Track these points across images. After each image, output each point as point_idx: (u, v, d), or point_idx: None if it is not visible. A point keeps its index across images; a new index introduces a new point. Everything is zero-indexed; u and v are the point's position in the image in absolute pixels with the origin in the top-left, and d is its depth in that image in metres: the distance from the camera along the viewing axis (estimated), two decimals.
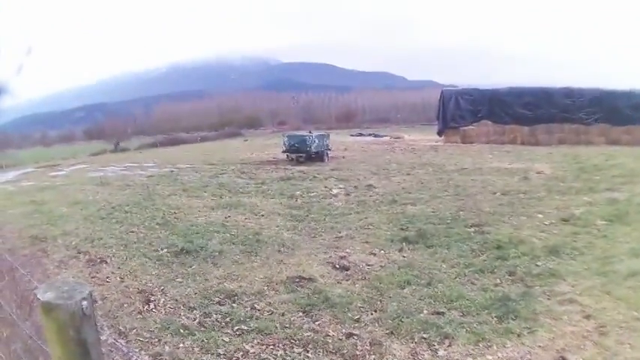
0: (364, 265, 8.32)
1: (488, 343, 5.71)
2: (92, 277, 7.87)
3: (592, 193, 14.56)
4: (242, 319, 6.36)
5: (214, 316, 6.48)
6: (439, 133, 35.99)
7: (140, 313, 6.59)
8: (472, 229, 10.32)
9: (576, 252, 8.92)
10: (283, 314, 6.52)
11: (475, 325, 6.06)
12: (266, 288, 7.40)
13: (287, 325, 6.20)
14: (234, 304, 6.84)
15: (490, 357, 5.50)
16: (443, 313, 6.39)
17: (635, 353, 5.44)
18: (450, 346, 5.71)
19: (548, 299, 6.87)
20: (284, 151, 24.41)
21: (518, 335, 5.85)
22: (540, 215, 11.67)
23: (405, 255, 8.84)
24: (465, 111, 34.83)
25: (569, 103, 34.83)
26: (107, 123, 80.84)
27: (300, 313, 6.54)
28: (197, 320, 6.36)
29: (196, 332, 6.00)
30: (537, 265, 8.20)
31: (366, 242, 9.63)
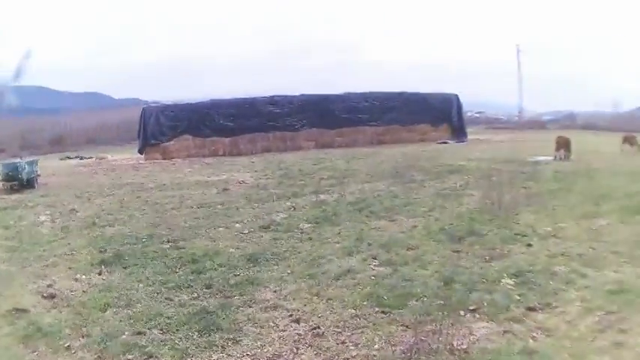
0: (68, 291, 7.78)
1: (193, 359, 5.60)
2: None
3: (295, 197, 15.03)
4: None
5: None
6: (140, 151, 34.78)
7: None
8: (167, 246, 10.16)
9: (278, 258, 9.09)
10: (7, 348, 5.99)
11: (177, 342, 5.93)
12: None
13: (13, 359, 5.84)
14: None
15: None
16: (144, 333, 6.17)
17: (360, 351, 5.63)
18: None
19: (250, 307, 6.91)
20: (0, 180, 22.71)
21: (223, 347, 5.80)
22: (238, 225, 11.77)
23: (104, 278, 8.38)
24: (166, 127, 34.18)
25: (275, 110, 35.88)
26: None
27: (21, 345, 6.03)
28: None
29: None
30: (236, 275, 8.24)
31: (70, 268, 9.01)
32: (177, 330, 6.23)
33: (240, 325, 6.33)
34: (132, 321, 6.55)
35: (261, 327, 6.27)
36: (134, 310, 6.90)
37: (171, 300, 7.29)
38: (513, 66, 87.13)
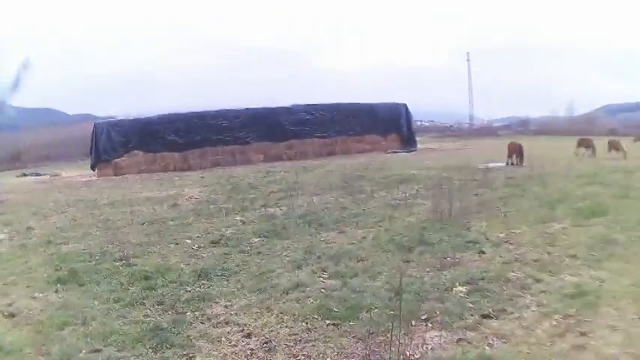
0: (27, 310, 7.83)
1: None
2: None
3: (245, 212, 15.10)
4: None
5: None
6: (93, 167, 34.76)
7: None
8: (120, 263, 10.11)
9: (228, 272, 9.16)
10: None
11: (132, 359, 5.98)
12: None
13: None
14: None
15: None
16: (100, 350, 6.20)
17: None
18: None
19: (202, 323, 6.95)
20: None
21: None
22: (189, 241, 11.82)
23: (60, 296, 8.43)
24: (117, 143, 34.18)
25: (224, 124, 36.13)
26: None
27: None
28: None
29: None
30: (187, 291, 8.28)
31: (28, 286, 9.05)
32: (132, 347, 6.26)
33: (193, 341, 6.37)
34: (88, 339, 6.57)
35: (214, 343, 6.32)
36: (90, 327, 6.92)
37: (125, 317, 7.26)
38: (464, 74, 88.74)
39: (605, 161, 26.62)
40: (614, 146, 30.14)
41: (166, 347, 6.20)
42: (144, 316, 7.29)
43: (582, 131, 47.84)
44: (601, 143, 30.81)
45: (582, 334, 6.12)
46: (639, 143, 37.76)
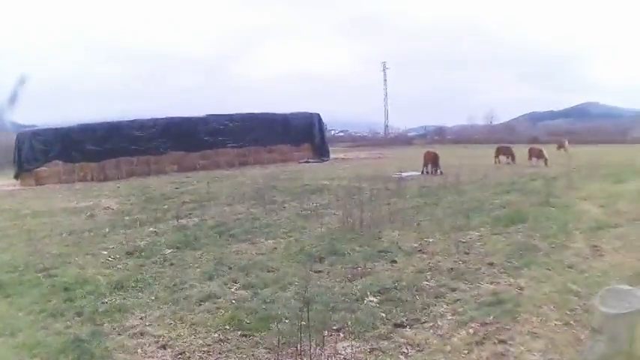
0: None
1: None
2: None
3: (158, 223, 15.24)
4: None
5: None
6: (16, 177, 34.54)
7: None
8: (42, 274, 10.01)
9: (143, 284, 9.21)
10: None
11: None
12: None
13: None
14: None
15: None
16: None
17: None
18: None
19: (119, 335, 6.97)
20: None
21: None
22: (105, 252, 11.79)
23: None
24: (38, 152, 33.95)
25: (140, 134, 36.25)
26: None
27: None
28: None
29: None
30: (104, 303, 8.24)
31: None
32: (56, 359, 6.28)
33: (112, 352, 6.39)
34: (17, 350, 6.62)
35: (131, 354, 6.37)
36: (18, 339, 6.94)
37: (48, 329, 7.24)
38: (380, 84, 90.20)
39: (526, 169, 27.40)
40: (535, 154, 30.71)
41: (87, 359, 6.24)
42: (65, 327, 7.28)
43: (502, 140, 49.55)
44: (523, 151, 31.42)
45: (502, 341, 6.19)
46: (562, 151, 38.54)
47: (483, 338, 6.30)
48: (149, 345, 6.65)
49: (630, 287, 4.04)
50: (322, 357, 5.95)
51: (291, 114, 44.38)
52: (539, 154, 30.71)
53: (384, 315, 7.23)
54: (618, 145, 55.07)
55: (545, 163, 29.54)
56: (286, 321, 7.05)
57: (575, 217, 13.50)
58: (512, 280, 8.58)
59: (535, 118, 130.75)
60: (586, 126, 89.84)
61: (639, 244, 10.53)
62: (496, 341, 6.19)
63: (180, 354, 6.34)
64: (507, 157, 32.26)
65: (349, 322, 6.97)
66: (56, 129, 36.28)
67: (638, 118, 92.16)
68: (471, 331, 6.56)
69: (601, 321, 3.73)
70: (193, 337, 6.82)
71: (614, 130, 76.80)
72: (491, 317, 6.91)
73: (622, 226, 12.32)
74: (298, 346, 5.94)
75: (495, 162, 32.43)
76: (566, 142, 41.57)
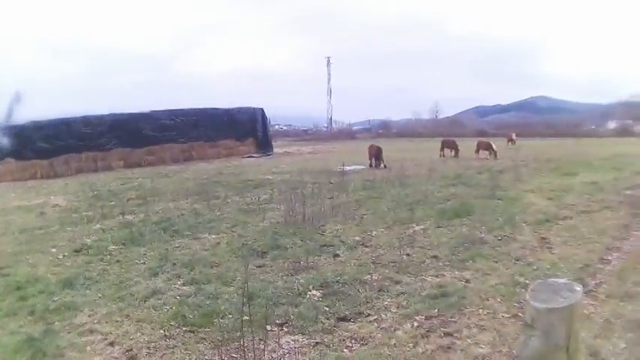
0: None
1: None
2: None
3: (104, 219, 15.27)
4: None
5: None
6: None
7: None
8: None
9: (90, 281, 9.19)
10: None
11: None
12: None
13: None
14: None
15: None
16: None
17: None
18: None
19: (69, 333, 6.95)
20: None
21: None
22: (54, 249, 11.75)
23: None
24: None
25: (87, 131, 36.27)
26: None
27: None
28: None
29: None
30: (54, 301, 8.19)
31: None
32: (12, 359, 6.27)
33: (63, 350, 6.38)
34: None
35: (81, 352, 6.35)
36: None
37: (3, 328, 7.23)
38: (324, 78, 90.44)
39: (472, 162, 27.81)
40: (484, 147, 31.31)
41: (40, 358, 6.25)
42: (19, 326, 7.27)
43: (449, 133, 50.44)
44: (470, 145, 31.80)
45: (448, 334, 6.21)
46: (511, 144, 39.70)
47: (428, 331, 6.35)
48: (98, 342, 6.65)
49: (565, 280, 3.93)
50: (265, 352, 5.94)
51: (235, 109, 44.71)
52: (488, 147, 31.31)
53: (327, 309, 7.27)
54: (567, 138, 56.66)
55: (495, 156, 30.18)
56: (230, 316, 7.09)
57: (522, 210, 13.76)
58: (457, 272, 8.66)
59: (482, 112, 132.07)
60: (535, 119, 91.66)
61: (589, 237, 10.75)
62: (442, 334, 6.24)
63: (129, 351, 6.33)
64: (451, 151, 32.81)
65: (292, 317, 7.01)
66: (7, 127, 35.98)
67: (588, 112, 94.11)
68: (415, 324, 6.60)
69: (533, 315, 3.58)
70: (140, 333, 6.81)
71: (564, 124, 78.12)
72: (437, 310, 6.97)
73: (571, 219, 12.57)
74: (242, 341, 5.89)
75: (440, 155, 33.04)
76: (514, 135, 42.59)
